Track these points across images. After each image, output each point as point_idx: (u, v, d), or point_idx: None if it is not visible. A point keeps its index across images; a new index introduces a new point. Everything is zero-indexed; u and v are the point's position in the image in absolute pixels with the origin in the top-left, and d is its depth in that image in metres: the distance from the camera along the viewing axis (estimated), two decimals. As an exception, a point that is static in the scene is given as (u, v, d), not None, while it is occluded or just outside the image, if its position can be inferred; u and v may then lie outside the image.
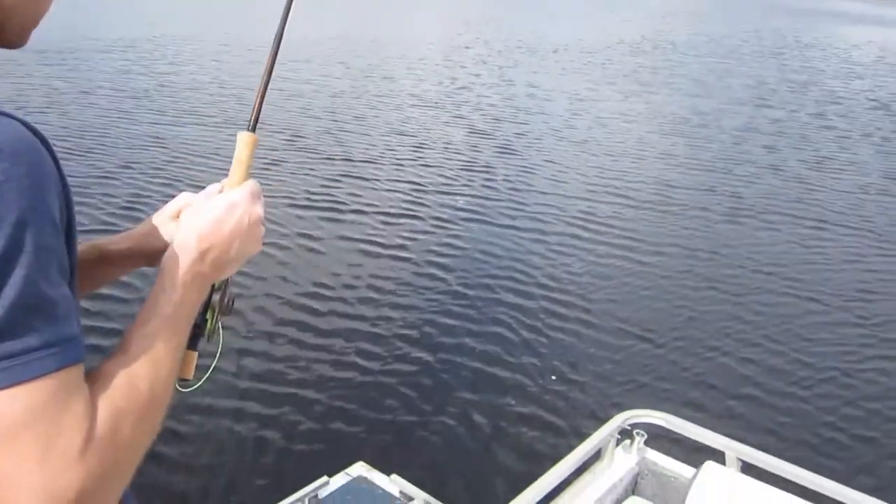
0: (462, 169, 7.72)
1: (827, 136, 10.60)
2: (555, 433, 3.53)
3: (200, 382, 1.00)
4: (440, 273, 5.17)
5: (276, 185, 6.59)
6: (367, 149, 8.24)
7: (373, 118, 9.77)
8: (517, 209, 6.62)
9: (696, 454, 2.26)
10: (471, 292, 4.89)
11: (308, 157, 7.75)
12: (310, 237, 5.62)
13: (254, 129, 1.03)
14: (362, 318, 4.47)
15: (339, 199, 6.49)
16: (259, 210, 0.96)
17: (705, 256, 5.88)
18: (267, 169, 7.08)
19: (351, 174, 7.27)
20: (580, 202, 6.92)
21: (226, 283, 1.02)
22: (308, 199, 6.46)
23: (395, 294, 4.81)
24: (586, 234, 6.10)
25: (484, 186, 7.19)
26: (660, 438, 2.37)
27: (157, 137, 8.16)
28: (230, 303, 1.03)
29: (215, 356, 1.02)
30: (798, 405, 3.96)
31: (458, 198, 6.78)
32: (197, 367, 0.98)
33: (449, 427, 3.53)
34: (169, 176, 6.84)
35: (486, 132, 9.43)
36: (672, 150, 9.19)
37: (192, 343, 0.98)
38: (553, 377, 4.00)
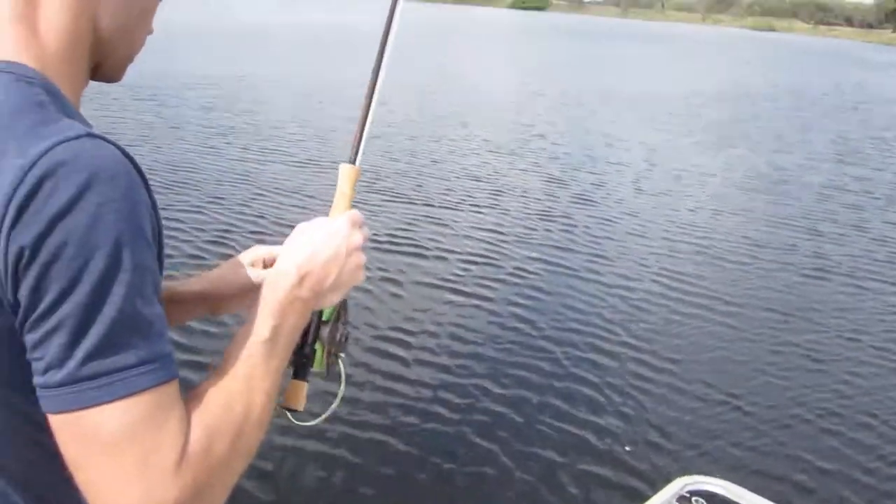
0: (540, 218, 7.73)
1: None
2: (612, 494, 3.47)
3: (321, 419, 1.01)
4: (517, 323, 5.16)
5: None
6: (446, 193, 8.34)
7: (451, 163, 9.90)
8: (594, 260, 6.58)
9: None
10: (542, 342, 4.89)
11: (388, 199, 7.89)
12: (391, 280, 5.68)
13: (355, 162, 1.05)
14: (441, 365, 4.49)
15: (419, 243, 6.57)
16: (358, 239, 0.96)
17: (786, 317, 5.71)
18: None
19: (431, 217, 7.36)
20: (659, 256, 6.84)
21: (338, 318, 1.02)
22: (390, 240, 6.56)
23: (473, 343, 4.83)
24: (663, 290, 6.01)
25: (563, 236, 7.18)
26: None
27: (244, 173, 8.42)
28: (343, 339, 1.03)
29: (337, 395, 1.02)
30: (881, 485, 3.73)
31: (537, 247, 6.79)
32: (317, 402, 0.99)
33: (504, 476, 3.53)
34: (254, 212, 7.04)
35: (564, 181, 9.45)
36: (752, 206, 9.02)
37: (301, 373, 0.99)
38: (617, 432, 3.93)
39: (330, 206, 1.02)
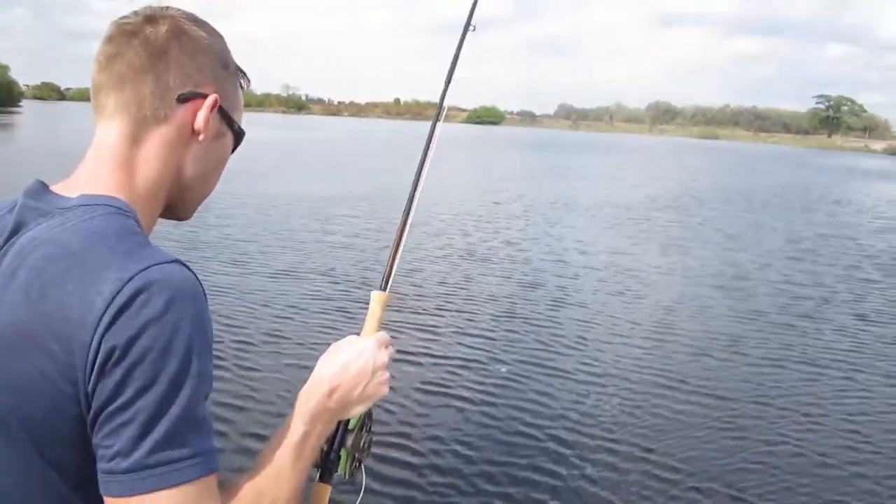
0: (512, 319, 8.02)
1: (868, 287, 10.83)
2: None
3: None
4: (495, 418, 5.36)
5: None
6: (421, 298, 8.60)
7: (423, 270, 10.20)
8: (569, 355, 6.84)
9: None
10: (521, 447, 5.03)
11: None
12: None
13: (385, 288, 1.19)
14: (457, 473, 4.63)
15: (405, 349, 6.77)
16: (384, 357, 1.08)
17: (751, 404, 5.99)
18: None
19: (412, 322, 7.58)
20: (625, 348, 7.14)
21: (362, 426, 1.10)
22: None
23: (467, 444, 4.99)
24: (629, 380, 6.28)
25: (537, 335, 7.44)
26: None
27: (274, 292, 8.60)
28: (366, 445, 1.11)
29: (359, 494, 1.10)
30: None
31: (515, 346, 7.04)
32: None
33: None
34: (284, 333, 7.17)
35: (533, 284, 9.79)
36: (710, 301, 9.44)
37: (326, 477, 1.06)
38: None
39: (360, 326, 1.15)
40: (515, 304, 8.72)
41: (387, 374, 1.08)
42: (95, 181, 0.95)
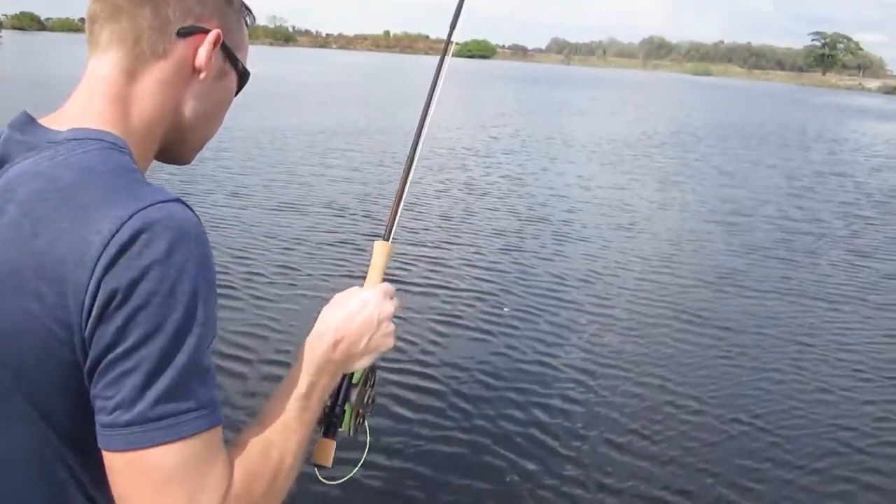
0: (516, 251, 8.11)
1: (863, 224, 10.95)
2: None
3: (348, 477, 1.06)
4: (522, 354, 5.47)
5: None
6: (427, 230, 8.64)
7: (425, 204, 10.22)
8: (578, 291, 6.95)
9: None
10: (518, 382, 5.02)
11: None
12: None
13: (388, 239, 1.15)
14: (461, 414, 4.67)
15: (416, 280, 6.84)
16: (389, 308, 1.06)
17: (750, 334, 6.16)
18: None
19: (419, 256, 7.64)
20: (627, 280, 7.25)
21: (366, 381, 1.08)
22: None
23: (479, 374, 5.09)
24: (642, 315, 6.40)
25: (539, 269, 7.54)
26: None
27: (276, 228, 8.61)
28: (370, 401, 1.09)
29: (363, 453, 1.08)
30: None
31: (521, 278, 7.13)
32: (345, 461, 1.02)
33: None
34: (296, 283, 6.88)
35: (534, 219, 9.85)
36: (708, 236, 9.55)
37: (330, 432, 1.04)
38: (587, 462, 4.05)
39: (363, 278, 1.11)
40: (520, 238, 8.79)
41: (392, 326, 1.06)
42: (87, 115, 0.89)
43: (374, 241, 1.14)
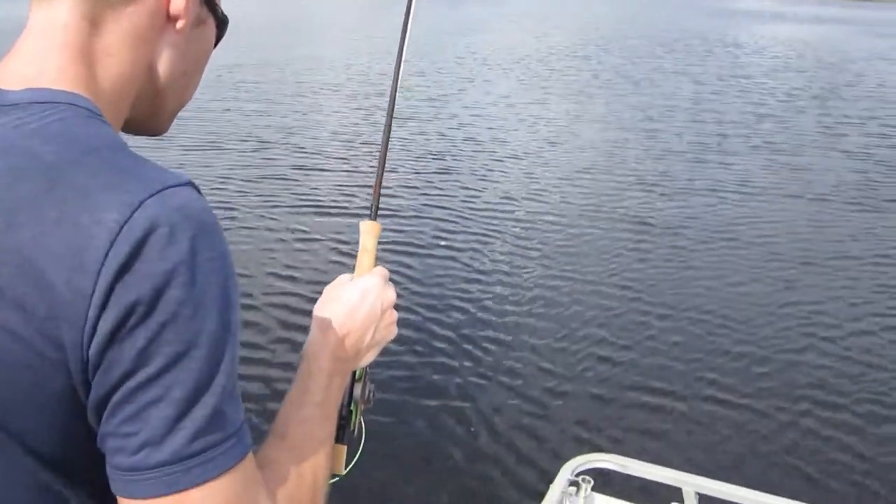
0: (459, 175, 8.25)
1: (765, 119, 11.56)
2: (514, 486, 3.45)
3: (341, 475, 0.97)
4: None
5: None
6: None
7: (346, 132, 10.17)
8: (513, 202, 7.18)
9: (652, 494, 2.21)
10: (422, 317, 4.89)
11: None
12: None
13: (375, 217, 1.04)
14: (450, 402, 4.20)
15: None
16: (391, 295, 0.96)
17: (666, 229, 6.62)
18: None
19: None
20: (562, 186, 7.56)
21: (365, 375, 1.00)
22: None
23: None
24: (568, 218, 6.74)
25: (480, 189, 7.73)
26: (613, 483, 2.32)
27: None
28: (370, 395, 1.02)
29: (358, 448, 1.01)
30: (752, 427, 3.92)
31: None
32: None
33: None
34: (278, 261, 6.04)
35: (471, 139, 9.99)
36: (638, 143, 9.95)
37: (340, 436, 0.95)
38: (517, 417, 3.94)
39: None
40: (449, 162, 8.92)
41: (395, 314, 0.97)
42: (44, 73, 0.70)
43: (360, 221, 1.03)
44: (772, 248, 6.26)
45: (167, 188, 0.63)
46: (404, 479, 3.51)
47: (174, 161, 8.26)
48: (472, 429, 3.86)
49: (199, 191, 0.67)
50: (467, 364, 4.45)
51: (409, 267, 5.68)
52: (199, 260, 0.62)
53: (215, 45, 0.87)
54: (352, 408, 0.98)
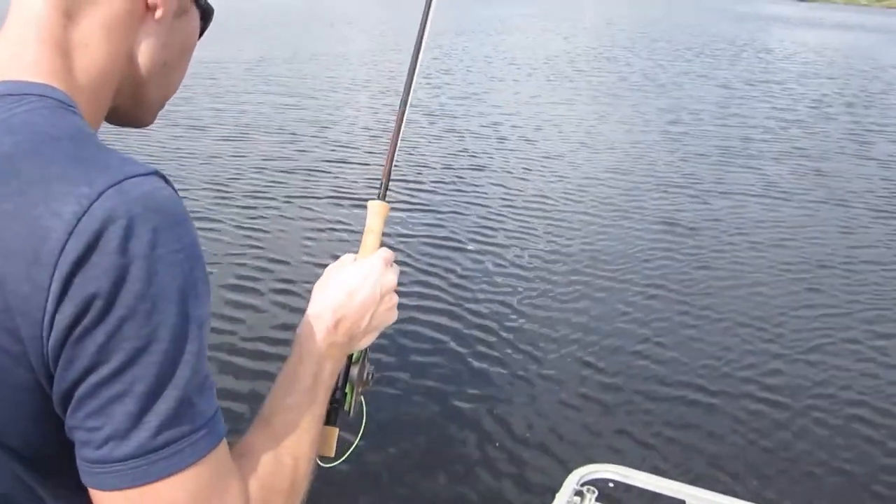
0: (492, 172, 8.38)
1: (793, 125, 11.58)
2: (520, 496, 3.40)
3: (342, 459, 0.96)
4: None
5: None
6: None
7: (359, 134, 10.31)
8: (545, 195, 7.29)
9: None
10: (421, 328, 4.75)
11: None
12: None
13: (384, 198, 1.01)
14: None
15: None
16: (392, 278, 0.94)
17: (689, 227, 6.69)
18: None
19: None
20: (595, 185, 7.66)
21: (364, 356, 0.98)
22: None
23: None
24: (599, 209, 6.82)
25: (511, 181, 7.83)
26: (617, 493, 2.31)
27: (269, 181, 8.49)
28: (369, 376, 1.00)
29: (359, 432, 0.99)
30: (752, 440, 3.86)
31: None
32: (340, 442, 0.95)
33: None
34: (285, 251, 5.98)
35: (502, 138, 10.09)
36: (663, 145, 10.02)
37: (332, 418, 0.94)
38: (522, 427, 3.86)
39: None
40: (486, 160, 9.04)
41: (396, 298, 0.95)
42: (17, 64, 0.70)
43: (369, 201, 1.02)
44: (793, 252, 6.33)
45: (129, 178, 0.62)
46: (404, 479, 3.43)
47: (208, 149, 8.44)
48: (477, 434, 3.78)
49: (166, 180, 0.66)
50: (475, 363, 4.37)
51: (426, 256, 5.75)
52: (159, 253, 0.62)
53: (200, 34, 0.85)
54: (346, 390, 0.95)
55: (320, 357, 0.86)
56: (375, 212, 0.99)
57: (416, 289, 5.17)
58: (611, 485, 2.16)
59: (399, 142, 1.04)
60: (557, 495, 2.07)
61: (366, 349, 0.97)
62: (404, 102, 1.05)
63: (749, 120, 12.06)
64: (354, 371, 0.96)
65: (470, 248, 6.04)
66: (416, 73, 1.06)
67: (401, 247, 5.86)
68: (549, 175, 8.36)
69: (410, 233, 6.27)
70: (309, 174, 7.85)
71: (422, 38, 1.06)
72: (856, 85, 17.15)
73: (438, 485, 3.43)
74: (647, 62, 19.32)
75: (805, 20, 43.57)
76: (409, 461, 3.56)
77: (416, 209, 6.89)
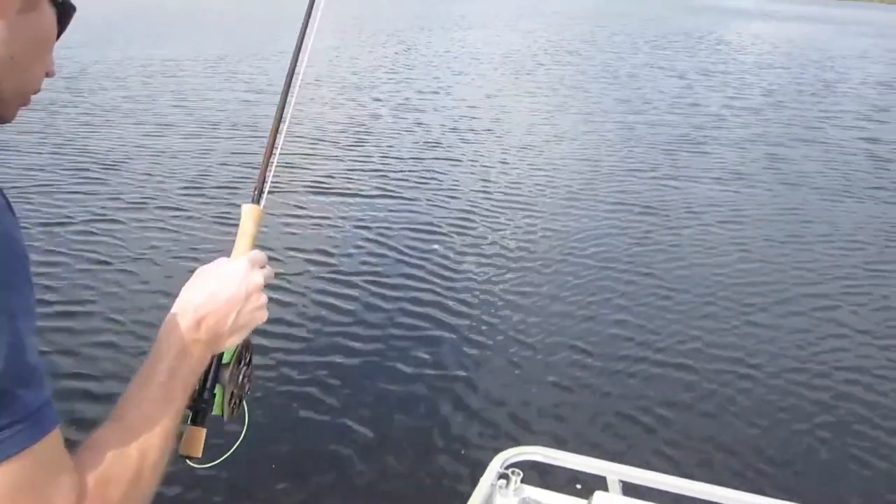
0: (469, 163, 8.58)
1: (745, 112, 11.95)
2: (443, 482, 3.37)
3: (221, 460, 0.97)
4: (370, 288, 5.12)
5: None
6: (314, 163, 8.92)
7: (322, 130, 10.41)
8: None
9: (579, 484, 2.34)
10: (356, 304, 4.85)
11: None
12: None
13: (258, 202, 1.03)
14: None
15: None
16: (258, 278, 0.94)
17: (657, 204, 6.97)
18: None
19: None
20: (566, 167, 7.89)
21: (239, 358, 0.98)
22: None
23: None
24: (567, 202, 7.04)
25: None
26: (542, 474, 2.35)
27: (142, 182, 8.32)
28: (246, 379, 0.99)
29: (240, 435, 0.99)
30: (675, 417, 3.90)
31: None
32: (220, 446, 0.95)
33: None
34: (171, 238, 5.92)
35: (495, 131, 10.29)
36: (628, 134, 10.31)
37: (199, 419, 0.94)
38: (445, 415, 3.83)
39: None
40: (455, 152, 9.23)
41: (263, 298, 0.95)
42: None
43: (242, 204, 1.02)
44: (749, 231, 6.65)
45: None
46: (303, 474, 3.37)
47: (100, 149, 8.39)
48: (394, 424, 3.72)
49: None
50: (386, 351, 4.35)
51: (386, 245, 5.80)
52: None
53: (60, 30, 0.80)
54: (215, 391, 0.95)
55: (179, 353, 0.85)
56: (248, 215, 1.02)
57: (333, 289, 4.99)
58: (535, 466, 2.17)
59: (277, 148, 1.05)
60: (481, 480, 2.08)
61: (246, 354, 0.99)
62: (281, 108, 1.06)
63: (705, 109, 12.43)
64: (226, 373, 0.95)
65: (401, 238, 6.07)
66: (296, 81, 1.07)
67: (372, 235, 6.02)
68: (516, 163, 8.59)
69: (385, 223, 6.38)
70: (192, 179, 7.40)
71: (302, 40, 1.08)
72: (809, 75, 17.67)
73: (353, 477, 3.37)
74: (606, 55, 19.66)
75: (763, 13, 44.39)
76: (303, 465, 3.43)
77: (386, 197, 7.06)
